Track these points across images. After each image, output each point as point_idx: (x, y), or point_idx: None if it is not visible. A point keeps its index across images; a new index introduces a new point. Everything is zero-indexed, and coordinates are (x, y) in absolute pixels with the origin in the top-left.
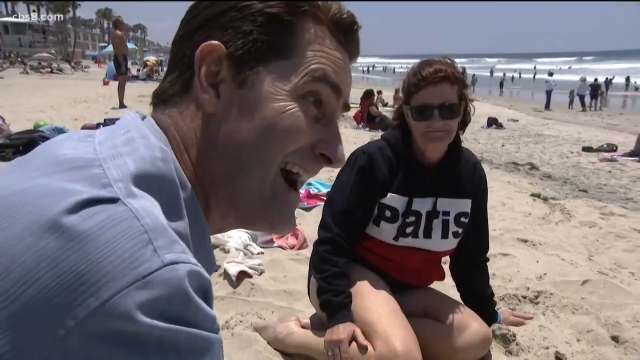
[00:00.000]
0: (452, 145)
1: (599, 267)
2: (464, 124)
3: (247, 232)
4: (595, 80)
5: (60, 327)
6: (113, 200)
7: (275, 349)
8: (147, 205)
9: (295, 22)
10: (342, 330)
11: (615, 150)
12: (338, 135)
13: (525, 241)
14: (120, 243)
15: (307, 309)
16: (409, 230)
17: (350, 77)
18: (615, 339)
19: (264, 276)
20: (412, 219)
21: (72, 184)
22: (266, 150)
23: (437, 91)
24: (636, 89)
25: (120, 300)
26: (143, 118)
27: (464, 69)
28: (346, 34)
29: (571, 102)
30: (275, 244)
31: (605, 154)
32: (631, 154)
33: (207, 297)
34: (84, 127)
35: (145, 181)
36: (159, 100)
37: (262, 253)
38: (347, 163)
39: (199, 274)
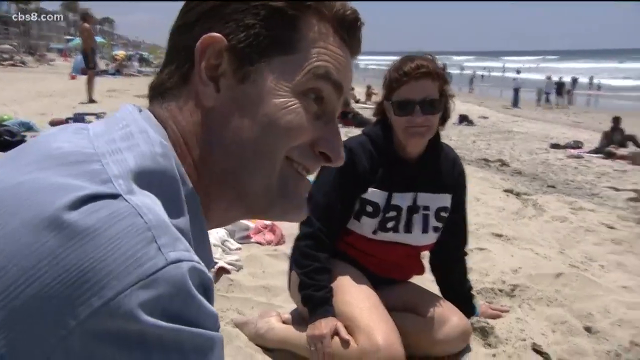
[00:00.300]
0: (432, 141)
1: (570, 260)
2: (444, 119)
3: (224, 228)
4: (560, 78)
5: (62, 327)
6: (114, 197)
7: (256, 344)
8: (149, 202)
9: (299, 17)
10: (324, 325)
11: (581, 147)
12: (338, 134)
13: (500, 236)
14: (124, 240)
15: (287, 305)
16: (389, 225)
17: (352, 75)
18: (588, 329)
19: (243, 272)
20: (392, 213)
21: (70, 179)
22: (268, 147)
23: (419, 87)
24: (599, 88)
25: (124, 300)
26: (139, 111)
27: (444, 65)
28: (349, 31)
29: (539, 99)
30: (252, 240)
31: (572, 151)
32: (596, 151)
33: (209, 294)
34: (52, 122)
35: (146, 178)
36: (156, 93)
37: (240, 249)
38: None
39: (201, 272)
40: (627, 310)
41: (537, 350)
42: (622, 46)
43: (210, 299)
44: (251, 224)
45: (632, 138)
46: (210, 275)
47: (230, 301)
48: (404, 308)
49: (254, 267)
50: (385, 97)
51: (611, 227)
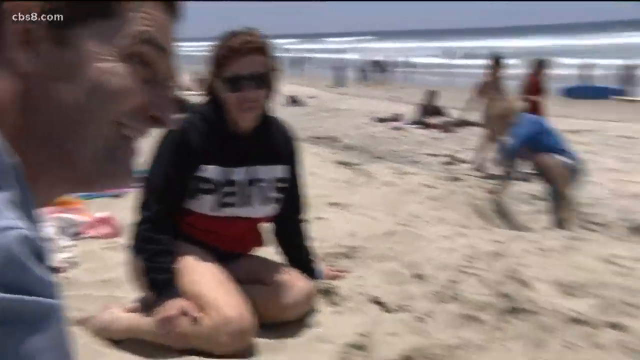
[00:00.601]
0: (264, 114)
1: (399, 219)
2: (273, 93)
3: (54, 226)
4: (378, 58)
5: None
6: None
7: (102, 338)
8: None
9: None
10: (171, 306)
11: (401, 120)
12: (168, 97)
13: (336, 204)
14: None
15: (131, 295)
16: (228, 200)
17: (174, 37)
18: (417, 276)
19: (79, 268)
20: (230, 188)
21: None
22: (93, 112)
23: (248, 62)
24: (414, 66)
25: None
26: None
27: (270, 39)
28: None
29: (361, 78)
30: (87, 235)
31: (394, 123)
32: (413, 122)
33: (44, 263)
34: None
35: None
36: None
37: (76, 246)
38: (160, 140)
39: (34, 239)
40: (447, 256)
41: (376, 301)
42: (430, 27)
43: (46, 267)
44: (82, 218)
45: (437, 109)
46: (45, 244)
47: (68, 300)
48: (251, 280)
49: (91, 263)
50: (213, 75)
51: (431, 187)
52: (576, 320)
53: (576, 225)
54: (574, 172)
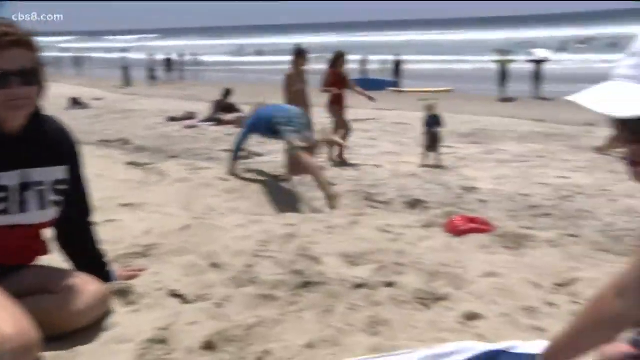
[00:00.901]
0: (35, 113)
1: (195, 213)
2: (43, 89)
3: None
4: (169, 56)
5: None
6: None
7: None
8: None
9: None
10: None
11: (194, 118)
12: None
13: (128, 205)
14: None
15: None
16: None
17: None
18: (215, 265)
19: None
20: (0, 194)
21: None
22: None
23: (11, 56)
24: (204, 64)
25: None
26: None
27: (33, 31)
28: None
29: (150, 77)
30: None
31: (188, 122)
32: (208, 120)
33: None
34: None
35: None
36: None
37: None
38: None
39: None
40: (242, 243)
41: (175, 294)
42: (218, 24)
43: None
44: None
45: (231, 106)
46: None
47: None
48: (37, 291)
49: None
50: None
51: (225, 180)
52: (359, 285)
53: (363, 204)
54: (300, 131)
